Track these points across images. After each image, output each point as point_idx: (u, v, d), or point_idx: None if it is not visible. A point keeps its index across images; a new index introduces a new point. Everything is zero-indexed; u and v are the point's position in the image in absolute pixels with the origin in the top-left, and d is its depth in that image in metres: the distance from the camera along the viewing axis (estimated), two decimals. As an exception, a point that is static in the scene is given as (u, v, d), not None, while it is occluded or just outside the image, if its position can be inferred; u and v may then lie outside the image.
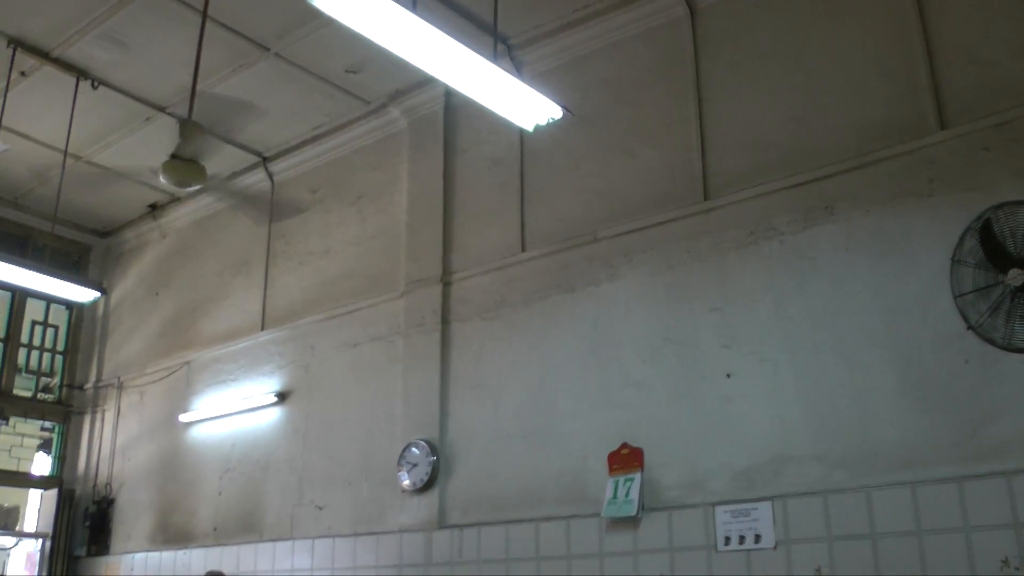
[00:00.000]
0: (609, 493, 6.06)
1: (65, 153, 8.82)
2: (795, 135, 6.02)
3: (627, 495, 5.94)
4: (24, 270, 8.24)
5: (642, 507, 5.92)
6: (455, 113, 7.97)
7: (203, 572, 8.09)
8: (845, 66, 5.91)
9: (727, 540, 5.53)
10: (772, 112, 6.18)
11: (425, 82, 7.87)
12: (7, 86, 8.06)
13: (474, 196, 7.69)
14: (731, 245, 6.07)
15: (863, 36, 5.89)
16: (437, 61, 5.06)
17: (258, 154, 9.40)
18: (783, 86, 6.17)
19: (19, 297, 10.84)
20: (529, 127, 5.94)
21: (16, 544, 10.92)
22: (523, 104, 5.63)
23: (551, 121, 5.78)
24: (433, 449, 7.14)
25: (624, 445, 6.11)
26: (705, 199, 6.29)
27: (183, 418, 9.63)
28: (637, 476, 5.96)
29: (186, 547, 9.14)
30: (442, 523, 7.02)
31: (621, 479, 6.02)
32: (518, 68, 7.31)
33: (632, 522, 5.95)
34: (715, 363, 5.91)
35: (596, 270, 6.71)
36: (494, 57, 5.32)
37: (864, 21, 5.91)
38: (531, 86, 5.56)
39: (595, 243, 6.77)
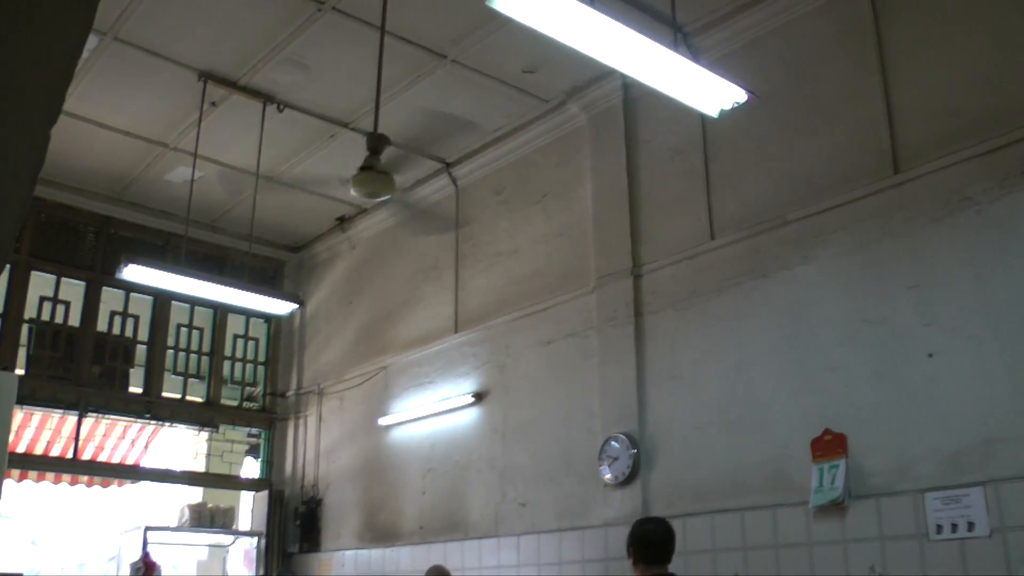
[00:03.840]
0: (815, 482, 6.07)
1: (256, 175, 9.44)
2: (987, 98, 5.87)
3: (832, 482, 5.94)
4: (226, 288, 8.88)
5: (849, 494, 5.89)
6: (634, 105, 8.13)
7: (416, 568, 8.47)
8: (1037, 21, 5.75)
9: (939, 528, 5.42)
10: (961, 76, 6.03)
11: (602, 76, 8.08)
12: (200, 117, 8.71)
13: (659, 186, 7.82)
14: (926, 219, 5.97)
15: (1055, -13, 5.70)
16: (619, 54, 5.20)
17: (441, 160, 9.80)
18: (971, 48, 6.02)
19: (221, 313, 11.63)
20: (714, 113, 6.02)
21: (234, 542, 11.73)
22: (707, 90, 5.73)
23: (736, 105, 5.85)
24: (633, 442, 7.31)
25: (826, 431, 6.11)
26: (895, 172, 6.20)
27: (382, 421, 10.13)
28: (842, 463, 5.94)
29: (393, 545, 9.64)
30: (646, 515, 7.10)
31: (826, 466, 6.02)
32: (695, 55, 7.36)
33: (839, 510, 5.93)
34: (916, 342, 5.83)
35: (788, 253, 6.71)
36: (674, 46, 5.44)
37: (1056, -30, 5.72)
38: (711, 72, 5.66)
39: (785, 226, 6.76)
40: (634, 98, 8.11)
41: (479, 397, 9.01)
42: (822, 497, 6.00)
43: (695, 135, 7.56)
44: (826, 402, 6.21)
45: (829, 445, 6.07)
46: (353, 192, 7.21)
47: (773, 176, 6.99)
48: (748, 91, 5.78)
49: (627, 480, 7.30)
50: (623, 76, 7.72)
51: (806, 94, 6.93)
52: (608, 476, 7.43)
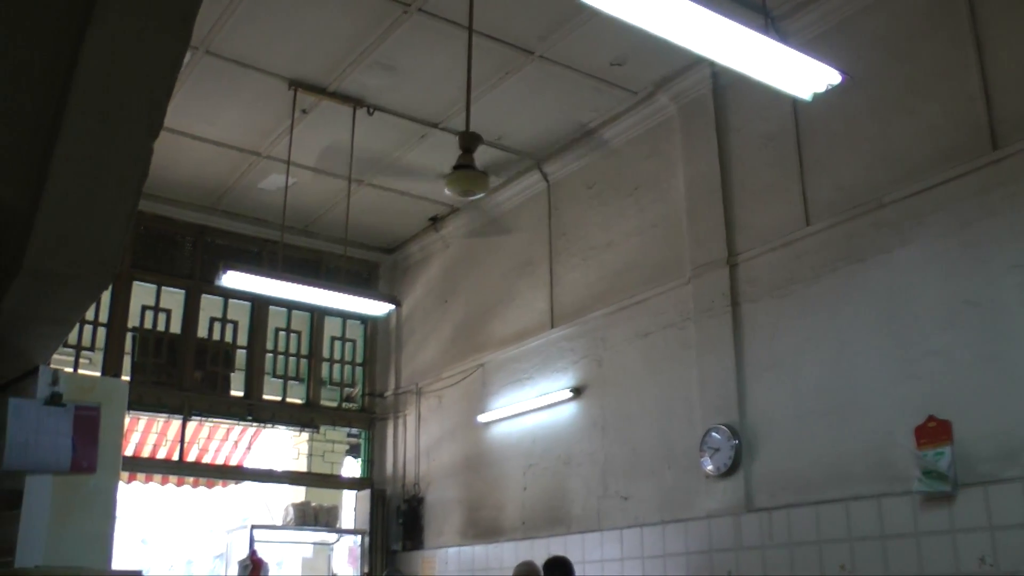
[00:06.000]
0: (918, 471, 6.02)
1: (349, 179, 9.72)
2: (1087, 65, 5.78)
3: (939, 469, 5.89)
4: (322, 291, 9.13)
5: (956, 483, 5.83)
6: (724, 93, 8.17)
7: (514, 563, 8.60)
8: None
9: (1051, 517, 5.36)
10: (1059, 45, 5.95)
11: (690, 66, 8.15)
12: (291, 124, 9.00)
13: (752, 174, 7.84)
14: (1027, 194, 5.90)
15: None
16: (709, 42, 5.25)
17: (531, 156, 9.93)
18: (1069, 16, 5.93)
19: (318, 316, 11.95)
20: (807, 96, 6.02)
21: (338, 540, 12.05)
22: (800, 74, 5.74)
23: (830, 87, 5.84)
24: (734, 432, 7.36)
25: (930, 418, 6.05)
26: (994, 149, 6.10)
27: (481, 418, 10.33)
28: (947, 450, 5.89)
29: (496, 541, 9.83)
30: (749, 507, 7.18)
31: (931, 454, 5.97)
32: (784, 39, 7.32)
33: (947, 499, 5.88)
34: (1021, 324, 5.75)
35: (885, 237, 6.67)
36: (764, 30, 5.48)
37: None
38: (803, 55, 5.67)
39: (881, 209, 6.72)
40: (723, 86, 8.15)
41: (577, 392, 9.13)
42: (926, 485, 5.95)
43: (787, 121, 7.57)
44: (929, 388, 6.16)
45: (934, 432, 6.02)
46: (448, 191, 7.36)
47: (868, 158, 6.96)
48: (842, 72, 5.77)
49: (729, 471, 7.35)
50: (712, 64, 7.77)
51: (899, 72, 6.87)
52: (710, 467, 7.50)
